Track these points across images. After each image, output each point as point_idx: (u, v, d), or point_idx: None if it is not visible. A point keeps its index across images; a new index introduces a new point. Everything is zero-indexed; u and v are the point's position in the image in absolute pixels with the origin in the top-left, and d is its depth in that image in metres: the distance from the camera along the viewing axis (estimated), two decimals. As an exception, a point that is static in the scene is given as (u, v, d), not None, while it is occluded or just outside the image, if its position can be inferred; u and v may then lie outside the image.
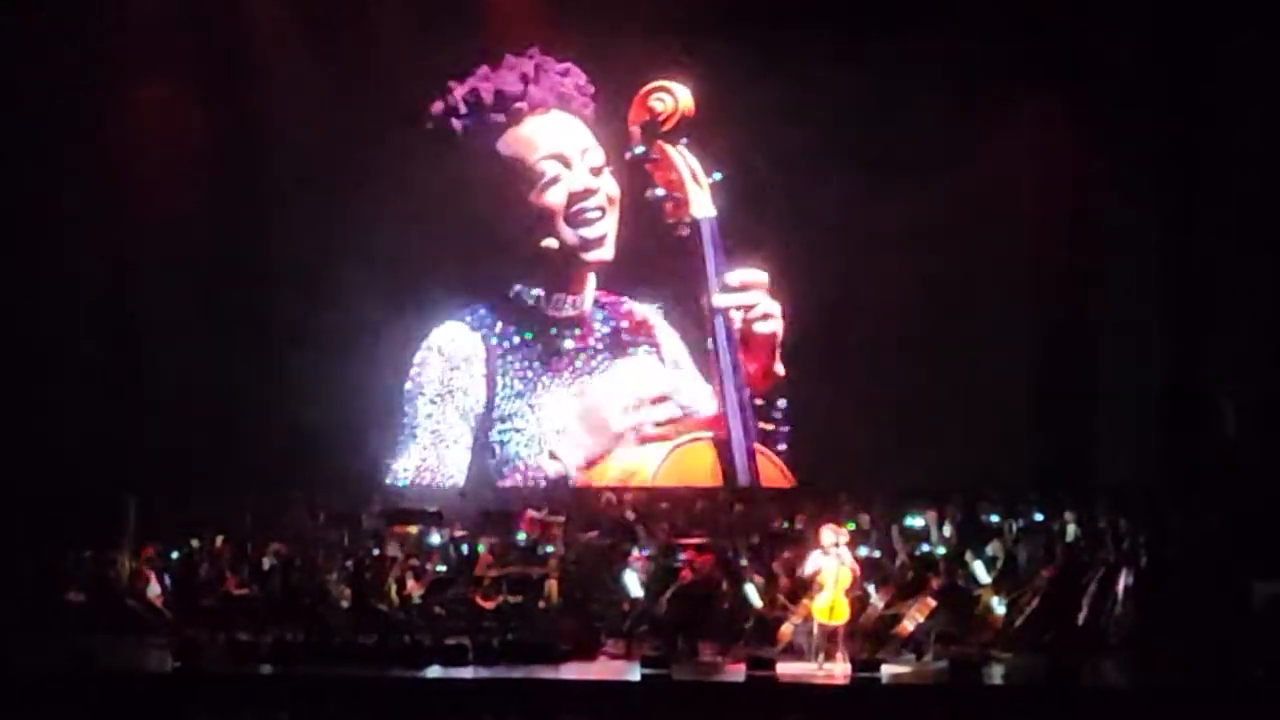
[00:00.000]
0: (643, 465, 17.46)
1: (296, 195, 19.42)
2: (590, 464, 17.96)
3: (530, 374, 17.63)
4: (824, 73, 19.48)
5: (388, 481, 18.42)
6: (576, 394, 17.62)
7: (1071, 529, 19.57)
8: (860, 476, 20.52)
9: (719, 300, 16.88)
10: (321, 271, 19.25)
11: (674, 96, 17.07)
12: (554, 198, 17.23)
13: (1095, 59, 21.10)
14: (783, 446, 18.43)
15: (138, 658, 18.60)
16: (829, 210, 20.47)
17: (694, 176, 16.92)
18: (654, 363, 17.95)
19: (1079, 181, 20.99)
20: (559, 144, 17.26)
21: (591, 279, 17.77)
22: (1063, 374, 21.49)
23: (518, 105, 17.39)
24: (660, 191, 16.88)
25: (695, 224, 16.93)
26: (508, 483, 17.82)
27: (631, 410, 17.97)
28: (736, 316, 17.18)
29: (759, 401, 17.62)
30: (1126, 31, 20.93)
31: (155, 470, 21.00)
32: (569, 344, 17.61)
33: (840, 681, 17.22)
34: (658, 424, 17.81)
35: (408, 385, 17.73)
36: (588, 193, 17.17)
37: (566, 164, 17.18)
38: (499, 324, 17.52)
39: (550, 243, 17.36)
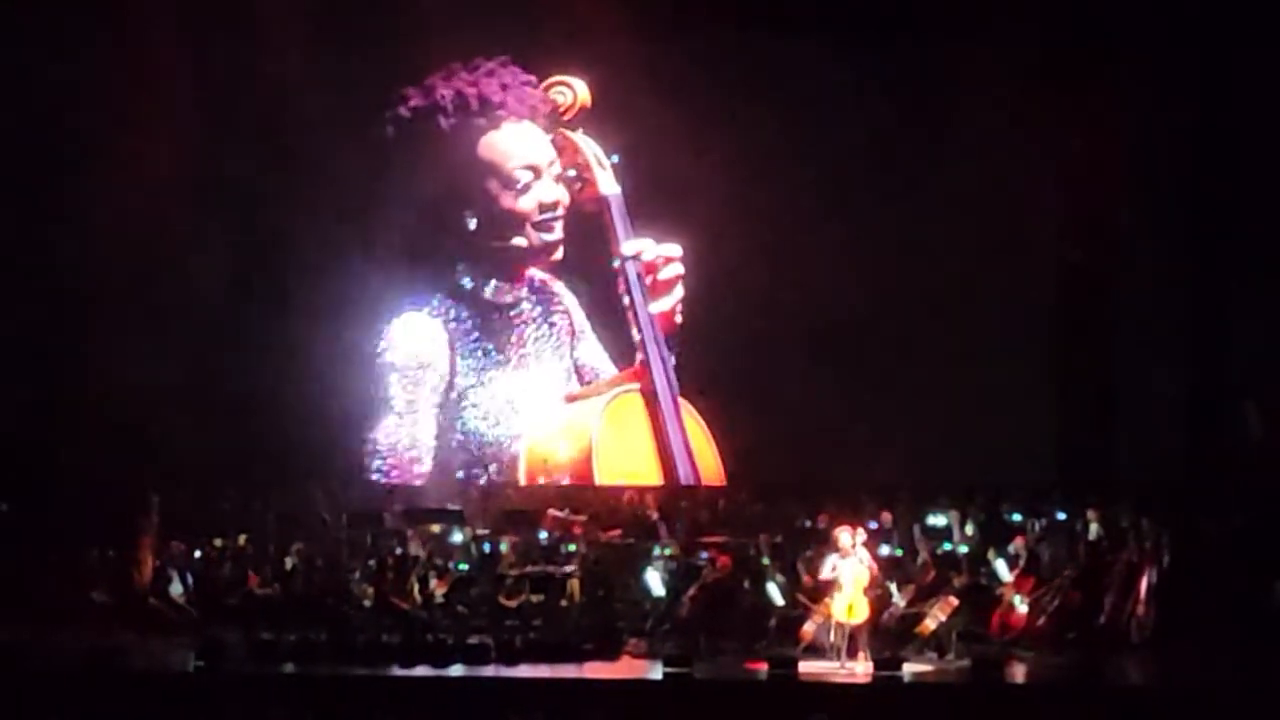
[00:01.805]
0: (584, 420, 18.53)
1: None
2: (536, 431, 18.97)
3: (480, 354, 18.74)
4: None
5: (365, 453, 19.20)
6: (518, 369, 18.94)
7: (1094, 528, 19.53)
8: (883, 473, 20.55)
9: (626, 249, 18.28)
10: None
11: (573, 89, 18.30)
12: (526, 204, 18.38)
13: (1115, 55, 21.10)
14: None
15: (160, 657, 18.64)
16: (841, 206, 20.67)
17: (597, 160, 18.30)
18: (570, 330, 19.31)
19: (1101, 180, 20.96)
20: (533, 154, 18.44)
21: (527, 272, 19.09)
22: (1086, 373, 21.49)
23: (499, 112, 18.44)
24: (571, 172, 18.26)
25: (604, 200, 18.24)
26: (464, 456, 19.07)
27: (563, 379, 19.23)
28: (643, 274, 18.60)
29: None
30: (1147, 27, 20.93)
31: (178, 468, 21.07)
32: (510, 325, 18.90)
33: (862, 680, 17.22)
34: (583, 383, 19.12)
35: (378, 362, 18.76)
36: (556, 204, 18.41)
37: (538, 174, 18.37)
38: (452, 309, 18.65)
39: (519, 241, 18.52)
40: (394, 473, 19.13)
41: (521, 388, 18.87)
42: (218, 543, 20.30)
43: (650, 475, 19.13)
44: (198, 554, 20.17)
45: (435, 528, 20.42)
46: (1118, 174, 21.01)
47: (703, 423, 19.15)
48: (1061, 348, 21.57)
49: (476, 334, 18.74)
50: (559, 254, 18.65)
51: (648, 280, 18.43)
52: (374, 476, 19.14)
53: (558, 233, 18.51)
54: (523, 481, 19.18)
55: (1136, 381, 21.34)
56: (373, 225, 19.23)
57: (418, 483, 19.08)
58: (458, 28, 19.02)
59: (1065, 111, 21.12)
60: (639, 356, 18.63)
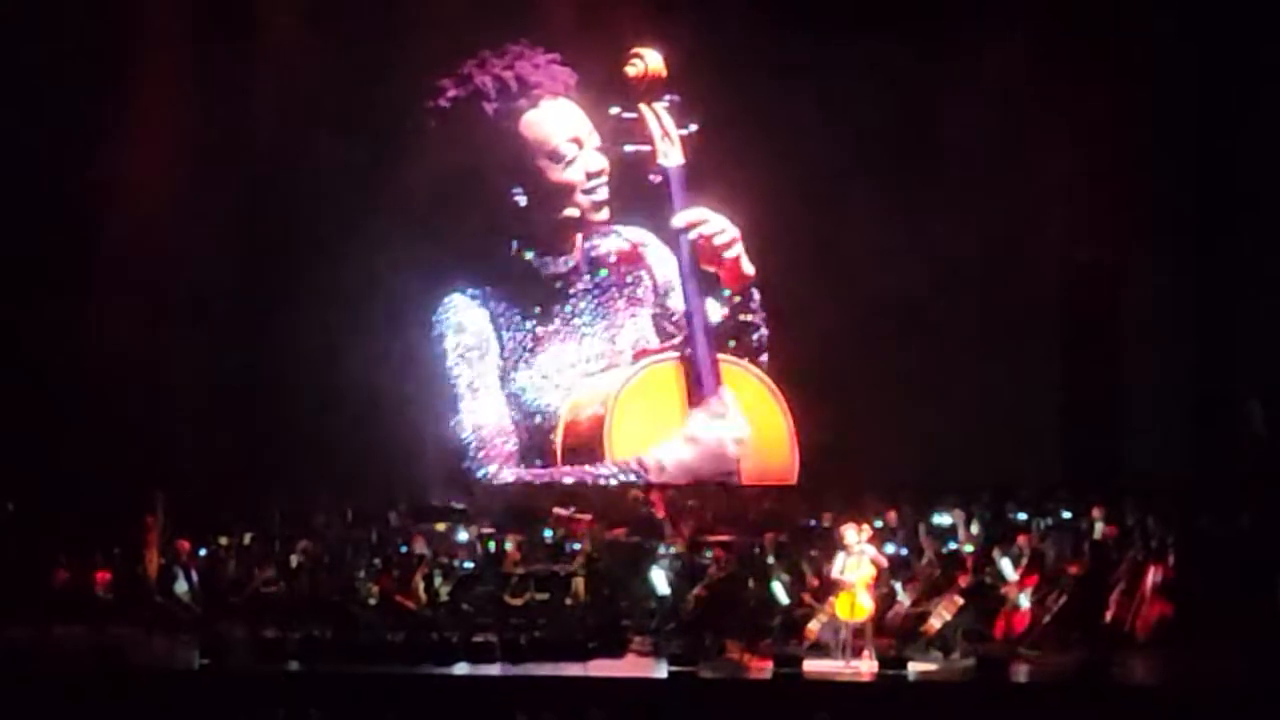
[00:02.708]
0: (609, 389, 18.72)
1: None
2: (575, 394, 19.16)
3: (537, 325, 19.08)
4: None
5: (450, 438, 19.18)
6: (574, 337, 19.24)
7: (1099, 526, 19.51)
8: (888, 472, 20.57)
9: (676, 221, 18.63)
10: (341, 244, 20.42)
11: (645, 62, 18.69)
12: (574, 174, 18.85)
13: (1130, 54, 21.08)
14: (764, 358, 19.48)
15: (165, 654, 18.67)
16: (848, 194, 20.69)
17: (664, 131, 18.66)
18: (652, 289, 19.51)
19: (1111, 178, 20.94)
20: (574, 128, 18.93)
21: (579, 238, 19.36)
22: (1092, 372, 21.47)
23: (536, 91, 18.93)
24: (632, 147, 18.73)
25: (664, 171, 18.62)
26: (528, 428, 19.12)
27: (630, 342, 19.45)
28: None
29: (736, 299, 19.02)
30: (1162, 28, 20.93)
31: (184, 466, 21.10)
32: (565, 297, 19.20)
33: (867, 679, 17.22)
34: (663, 340, 19.36)
35: (437, 349, 19.09)
36: (601, 171, 18.92)
37: (580, 145, 18.91)
38: (508, 284, 18.98)
39: (571, 211, 18.95)
40: (483, 453, 19.11)
41: (578, 355, 19.20)
42: (223, 540, 20.32)
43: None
44: (203, 552, 20.19)
45: (440, 526, 20.47)
46: (1124, 173, 20.97)
47: (774, 393, 19.12)
48: (1068, 346, 21.54)
49: (535, 306, 19.08)
50: (604, 213, 19.05)
51: (705, 248, 18.72)
52: (468, 464, 19.17)
53: (602, 195, 18.95)
54: (558, 444, 19.10)
55: (1143, 380, 21.32)
56: (412, 212, 19.67)
57: (509, 461, 19.11)
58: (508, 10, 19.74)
59: (1072, 111, 21.11)
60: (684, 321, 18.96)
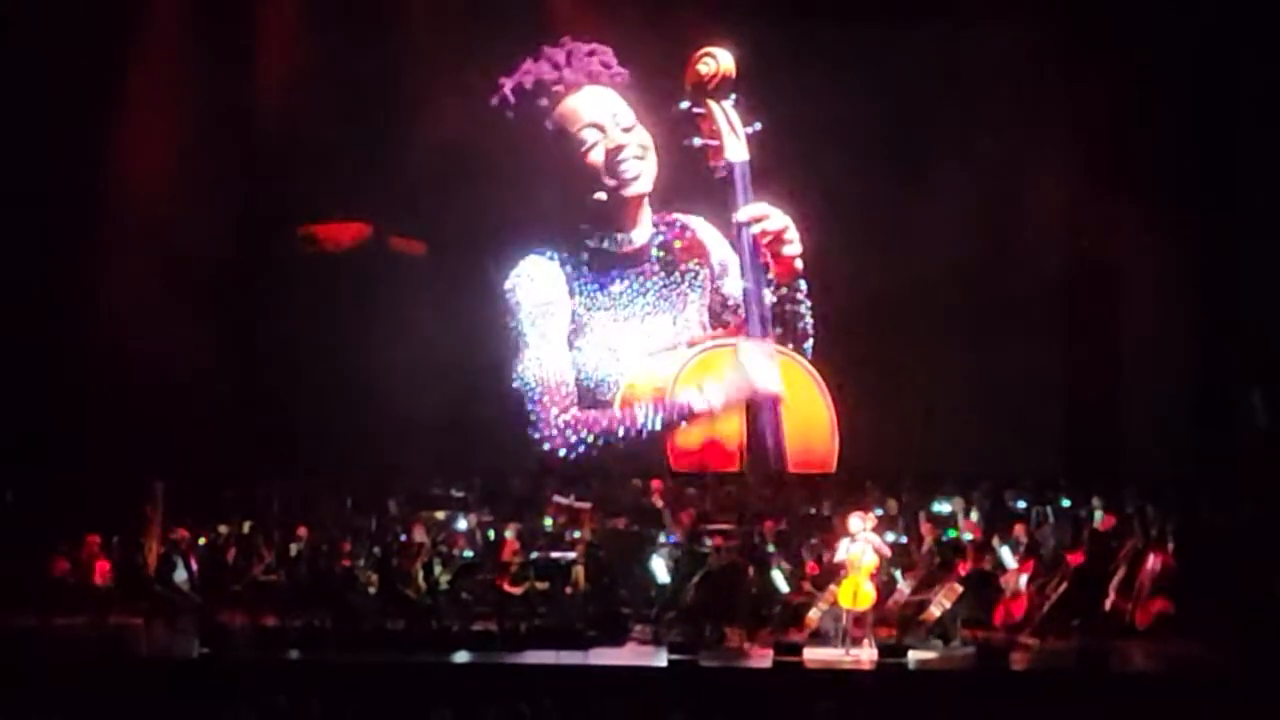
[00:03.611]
0: (669, 370, 18.93)
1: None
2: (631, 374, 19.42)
3: (599, 299, 19.51)
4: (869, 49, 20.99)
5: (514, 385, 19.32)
6: (639, 323, 19.60)
7: (1099, 515, 19.52)
8: (889, 460, 20.60)
9: (741, 215, 18.93)
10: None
11: (717, 60, 19.13)
12: (595, 157, 19.38)
13: (1134, 52, 21.11)
14: (808, 345, 19.62)
15: (165, 643, 18.69)
16: (862, 188, 20.84)
17: (731, 127, 19.04)
18: (709, 275, 19.96)
19: (1114, 172, 20.95)
20: (592, 114, 19.46)
21: (645, 212, 19.78)
22: (1093, 360, 21.48)
23: (555, 89, 19.55)
24: (698, 141, 19.10)
25: (730, 166, 18.97)
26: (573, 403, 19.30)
27: (685, 326, 19.78)
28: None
29: (783, 290, 19.29)
30: (1165, 23, 20.96)
31: (183, 455, 21.13)
32: (628, 276, 19.66)
33: (867, 667, 17.23)
34: (717, 326, 19.78)
35: (508, 303, 19.46)
36: (620, 148, 19.38)
37: (602, 130, 19.45)
38: (570, 262, 19.49)
39: (600, 195, 19.44)
40: (546, 399, 19.13)
41: (640, 332, 19.53)
42: (222, 529, 20.33)
43: (731, 432, 18.79)
44: (202, 540, 20.19)
45: (440, 514, 20.48)
46: (1127, 165, 20.98)
47: (820, 384, 19.17)
48: (1069, 335, 21.57)
49: (601, 280, 19.55)
50: (641, 185, 19.45)
51: (765, 241, 19.04)
52: (531, 415, 19.16)
53: (632, 169, 19.39)
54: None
55: (1144, 369, 21.33)
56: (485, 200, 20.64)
57: (571, 416, 19.07)
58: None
59: (1075, 102, 21.15)
60: (741, 313, 19.16)
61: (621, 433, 18.70)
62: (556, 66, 19.62)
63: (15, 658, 17.14)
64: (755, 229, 18.85)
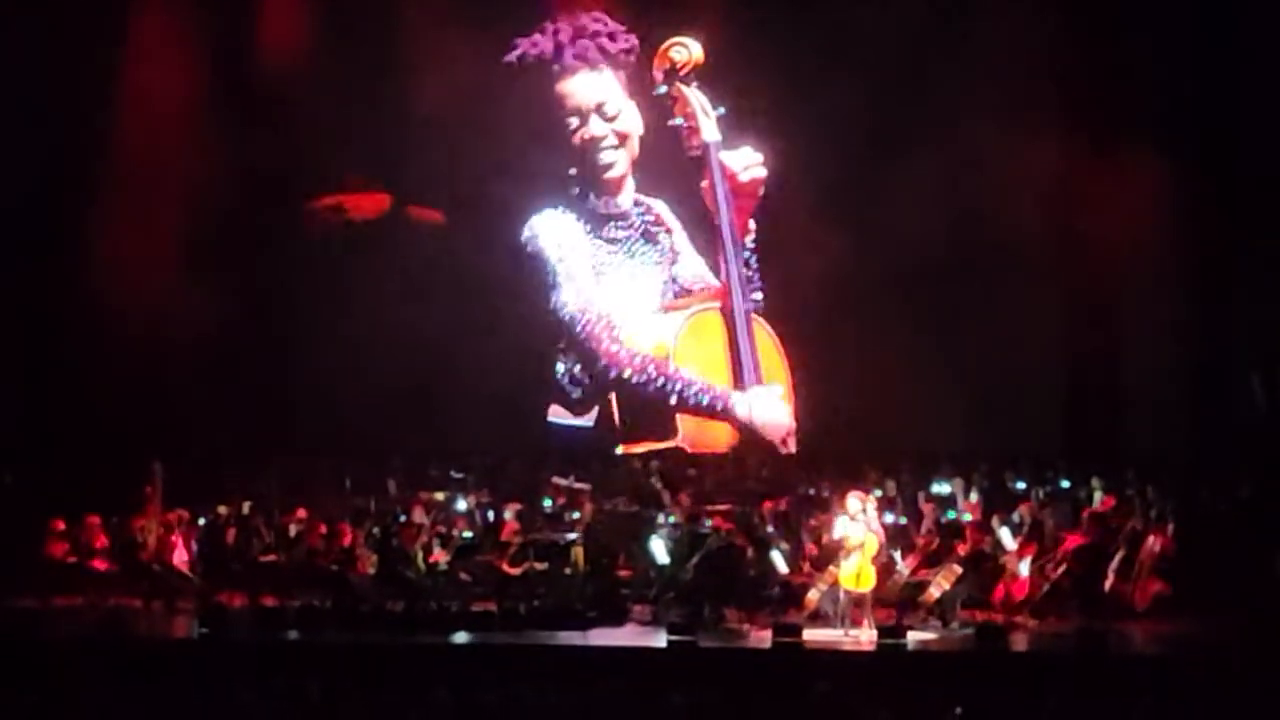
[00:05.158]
0: (667, 331, 20.54)
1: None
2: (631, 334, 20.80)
3: (599, 254, 21.00)
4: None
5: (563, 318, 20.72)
6: (628, 276, 21.13)
7: (1098, 496, 19.51)
8: (888, 441, 20.62)
9: (740, 159, 20.44)
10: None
11: (688, 49, 20.57)
12: (575, 141, 20.98)
13: (1131, 28, 21.10)
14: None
15: (164, 623, 18.69)
16: (856, 166, 20.96)
17: (703, 110, 20.49)
18: (671, 249, 21.45)
19: (1112, 151, 20.92)
20: (577, 101, 20.96)
21: (628, 185, 21.33)
22: (1094, 343, 21.48)
23: (555, 66, 20.93)
24: (679, 121, 20.54)
25: (705, 146, 20.42)
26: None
27: (661, 290, 21.26)
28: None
29: (745, 254, 20.74)
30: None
31: (182, 434, 21.15)
32: (618, 233, 21.17)
33: (866, 648, 17.22)
34: (677, 296, 21.21)
35: (531, 251, 20.89)
36: (595, 140, 20.90)
37: (583, 117, 20.93)
38: (575, 214, 21.00)
39: (573, 171, 21.02)
40: (590, 329, 20.56)
41: (623, 291, 20.96)
42: (222, 510, 20.31)
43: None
44: (201, 521, 20.18)
45: (439, 495, 20.47)
46: (1127, 144, 20.96)
47: (780, 348, 20.76)
48: (1069, 317, 21.56)
49: (600, 236, 21.07)
50: (615, 171, 21.00)
51: (730, 184, 20.51)
52: (584, 343, 20.56)
53: (606, 158, 20.97)
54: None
55: (1144, 351, 21.33)
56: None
57: (616, 345, 20.46)
58: None
59: (1077, 92, 21.16)
60: (722, 277, 20.58)
61: (677, 394, 20.07)
62: (558, 45, 20.90)
63: (15, 638, 17.13)
64: (748, 176, 20.29)
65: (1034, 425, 21.08)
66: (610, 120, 21.07)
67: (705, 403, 20.16)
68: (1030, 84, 21.14)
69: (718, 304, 20.55)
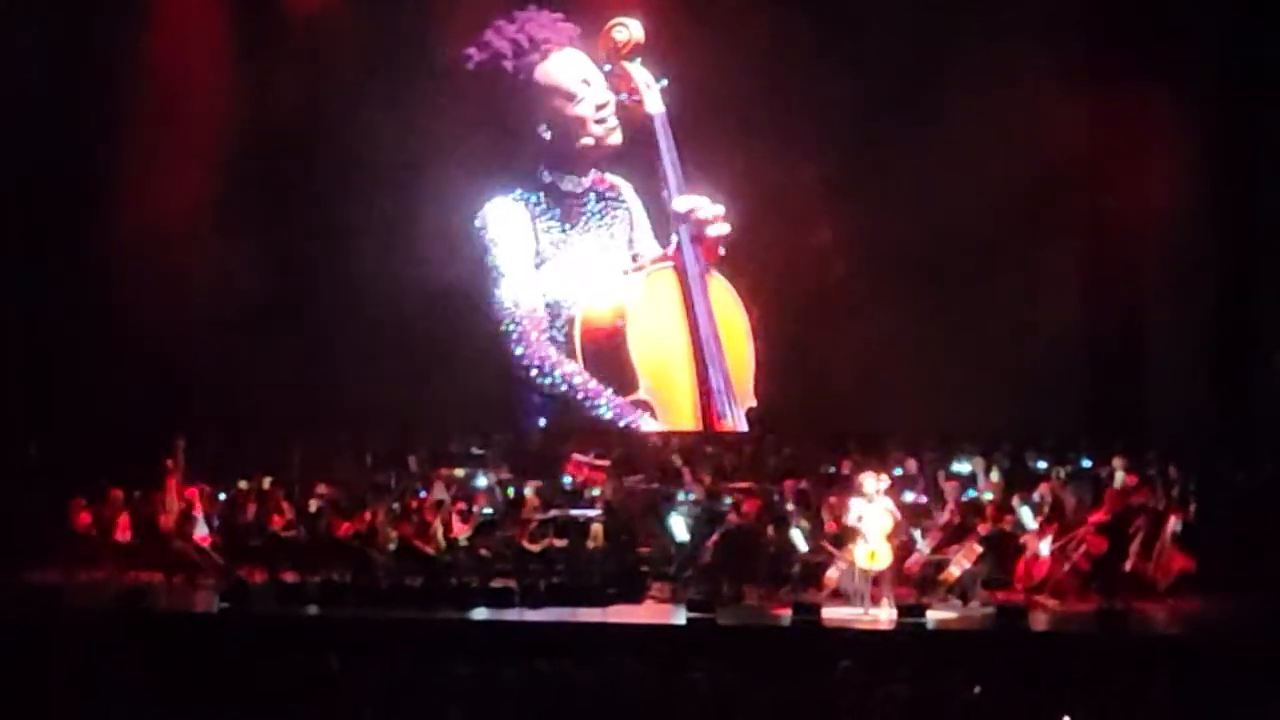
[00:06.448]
0: (626, 294, 21.72)
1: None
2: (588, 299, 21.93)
3: (556, 232, 22.05)
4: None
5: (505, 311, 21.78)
6: (588, 248, 22.14)
7: (1120, 475, 19.45)
8: (910, 419, 20.62)
9: (677, 206, 21.62)
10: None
11: (629, 28, 21.70)
12: (585, 109, 21.91)
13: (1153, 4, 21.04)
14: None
15: (185, 598, 18.73)
16: (864, 142, 21.06)
17: (646, 84, 21.67)
18: (629, 223, 22.42)
19: (1135, 129, 20.84)
20: (581, 71, 21.98)
21: (592, 168, 22.29)
22: (1115, 323, 21.43)
23: (546, 46, 21.95)
24: (622, 96, 21.76)
25: (651, 118, 21.59)
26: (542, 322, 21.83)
27: (621, 259, 22.27)
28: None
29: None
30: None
31: (205, 410, 21.18)
32: (579, 214, 22.18)
33: (885, 626, 17.21)
34: (634, 260, 22.28)
35: (483, 239, 21.96)
36: (607, 104, 21.94)
37: (589, 84, 21.98)
38: (532, 197, 22.03)
39: (587, 140, 21.95)
40: (522, 326, 21.67)
41: (587, 261, 22.00)
42: (243, 485, 20.35)
43: (680, 342, 21.57)
44: (223, 496, 20.21)
45: (459, 472, 20.49)
46: (1150, 126, 20.87)
47: (738, 300, 21.75)
48: (1090, 295, 21.50)
49: (554, 217, 22.02)
50: (616, 137, 21.92)
51: (696, 235, 21.62)
52: (512, 335, 21.71)
53: (612, 122, 21.86)
54: (577, 345, 21.72)
55: (1165, 330, 21.27)
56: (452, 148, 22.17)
57: (544, 337, 21.65)
58: None
59: (1100, 62, 21.07)
60: (673, 239, 21.66)
61: (580, 396, 21.32)
62: (543, 26, 21.96)
63: (38, 613, 17.19)
64: (714, 231, 21.36)
65: (1056, 404, 21.02)
66: (596, 89, 21.94)
67: (608, 416, 21.29)
68: (1055, 53, 21.03)
69: (670, 263, 21.63)
